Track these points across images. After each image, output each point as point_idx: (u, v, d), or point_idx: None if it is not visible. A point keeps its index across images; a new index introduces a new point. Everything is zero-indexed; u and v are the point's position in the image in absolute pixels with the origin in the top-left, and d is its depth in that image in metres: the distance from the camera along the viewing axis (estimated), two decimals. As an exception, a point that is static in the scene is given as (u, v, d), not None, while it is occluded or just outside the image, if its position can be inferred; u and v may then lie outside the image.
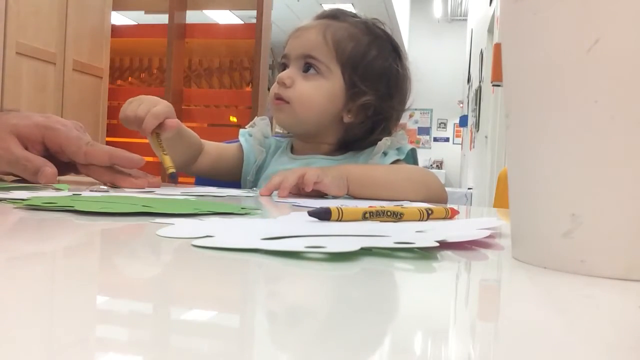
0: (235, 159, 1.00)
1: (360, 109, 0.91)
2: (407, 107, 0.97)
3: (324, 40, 0.90)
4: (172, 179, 0.79)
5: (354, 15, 0.96)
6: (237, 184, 1.00)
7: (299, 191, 0.75)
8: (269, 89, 1.04)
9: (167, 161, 0.79)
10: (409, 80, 0.96)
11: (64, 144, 0.70)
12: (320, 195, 0.76)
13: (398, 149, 0.93)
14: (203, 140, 0.97)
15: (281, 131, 1.07)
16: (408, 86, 0.96)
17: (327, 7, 1.08)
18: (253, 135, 1.00)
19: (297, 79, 0.90)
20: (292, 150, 0.99)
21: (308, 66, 0.90)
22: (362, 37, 0.92)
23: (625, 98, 0.25)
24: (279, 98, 0.90)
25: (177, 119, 0.81)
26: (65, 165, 0.73)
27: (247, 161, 0.99)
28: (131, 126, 0.79)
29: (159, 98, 0.82)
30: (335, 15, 0.94)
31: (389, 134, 0.94)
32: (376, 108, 0.91)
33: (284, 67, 0.93)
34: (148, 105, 0.78)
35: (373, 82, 0.91)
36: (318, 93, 0.90)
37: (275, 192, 0.73)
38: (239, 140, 1.01)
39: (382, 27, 0.97)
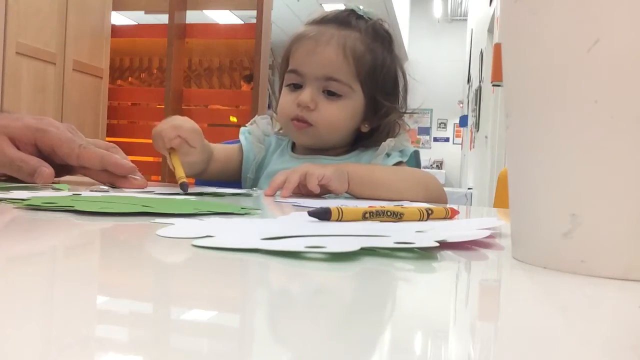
0: (240, 161, 0.99)
1: (377, 116, 0.92)
2: (413, 108, 0.98)
3: (345, 60, 0.87)
4: (182, 188, 0.72)
5: (360, 17, 0.93)
6: (238, 183, 0.99)
7: (300, 190, 0.75)
8: (268, 89, 1.03)
9: (180, 171, 0.74)
10: (402, 66, 0.96)
11: (57, 145, 0.68)
12: (321, 194, 0.76)
13: (401, 151, 0.93)
14: (210, 144, 0.95)
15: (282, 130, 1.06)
16: (404, 71, 0.96)
17: (327, 7, 1.06)
18: (252, 133, 1.00)
19: (319, 101, 0.88)
20: (294, 148, 0.99)
21: (330, 90, 0.87)
22: (375, 46, 0.91)
23: (625, 98, 0.25)
24: (301, 120, 0.88)
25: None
26: (59, 167, 0.71)
27: (247, 159, 0.99)
28: (156, 143, 0.77)
29: (190, 120, 0.80)
30: (347, 22, 0.91)
31: (393, 134, 0.94)
32: (389, 110, 0.92)
33: (295, 84, 0.90)
34: (175, 123, 0.77)
35: (389, 90, 0.92)
36: (343, 114, 0.89)
37: (278, 192, 0.73)
38: (239, 140, 1.01)
39: (383, 23, 0.95)
